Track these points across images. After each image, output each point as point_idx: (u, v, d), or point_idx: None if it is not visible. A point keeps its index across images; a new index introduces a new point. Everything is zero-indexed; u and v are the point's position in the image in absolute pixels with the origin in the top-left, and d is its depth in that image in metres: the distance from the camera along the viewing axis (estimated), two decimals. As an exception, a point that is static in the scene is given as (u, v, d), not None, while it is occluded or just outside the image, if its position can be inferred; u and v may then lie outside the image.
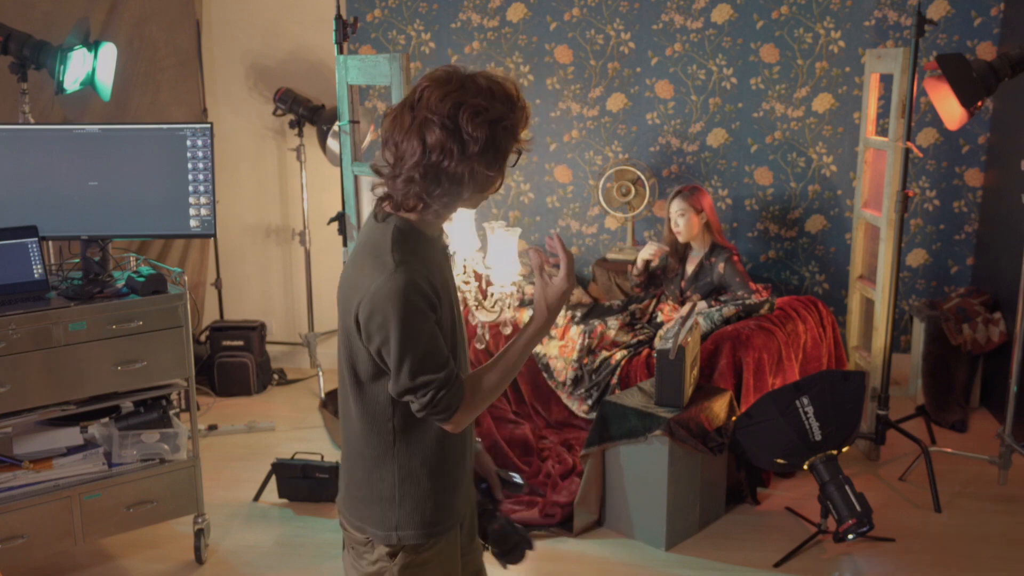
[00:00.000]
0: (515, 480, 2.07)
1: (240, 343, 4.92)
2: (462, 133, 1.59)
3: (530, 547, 2.05)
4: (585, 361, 4.06)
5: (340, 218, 3.42)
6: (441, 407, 1.68)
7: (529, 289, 4.60)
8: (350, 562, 1.86)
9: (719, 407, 3.43)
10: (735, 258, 4.06)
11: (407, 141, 1.62)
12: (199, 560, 3.25)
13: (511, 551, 2.02)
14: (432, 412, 1.69)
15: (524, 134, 1.67)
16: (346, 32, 3.24)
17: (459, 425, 1.73)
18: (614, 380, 3.93)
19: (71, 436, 3.11)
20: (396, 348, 1.63)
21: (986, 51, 4.58)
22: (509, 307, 3.33)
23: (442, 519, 1.80)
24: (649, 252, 4.28)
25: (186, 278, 3.13)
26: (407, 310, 1.61)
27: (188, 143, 3.07)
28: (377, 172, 1.71)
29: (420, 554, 1.79)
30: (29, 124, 3.61)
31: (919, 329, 4.55)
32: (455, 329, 1.77)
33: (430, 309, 1.65)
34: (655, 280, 4.37)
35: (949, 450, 3.94)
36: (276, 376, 5.14)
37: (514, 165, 1.70)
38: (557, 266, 1.79)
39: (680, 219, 4.10)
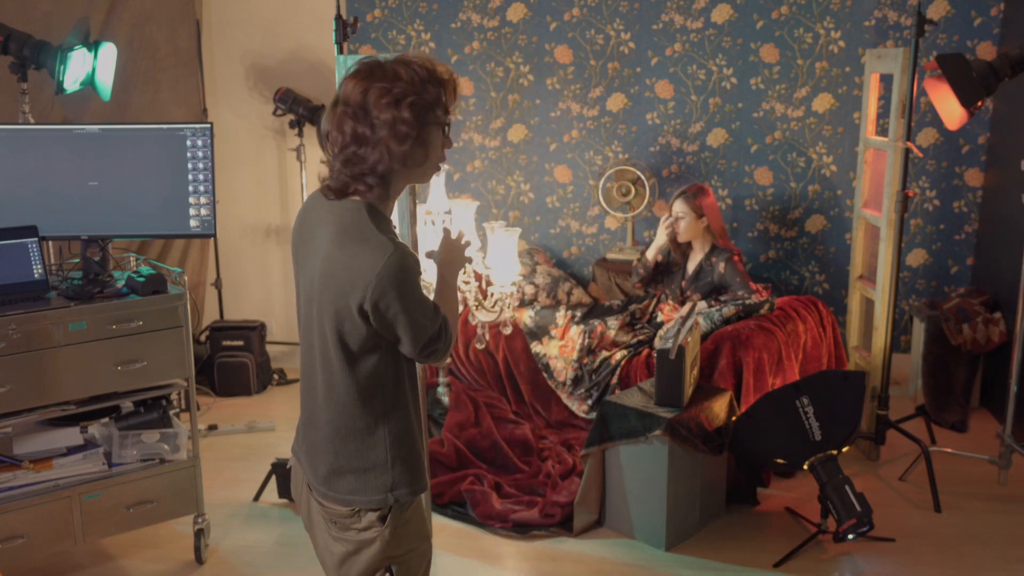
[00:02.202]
0: None
1: (240, 343, 4.92)
2: (371, 117, 1.71)
3: None
4: (585, 361, 4.06)
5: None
6: (449, 341, 1.88)
7: (529, 289, 4.60)
8: (332, 537, 1.92)
9: (719, 407, 3.43)
10: (735, 258, 4.06)
11: (335, 131, 1.76)
12: (199, 560, 3.25)
13: None
14: (446, 349, 1.88)
15: (452, 105, 1.79)
16: (346, 32, 3.24)
17: (449, 356, 1.92)
18: (614, 380, 3.93)
19: (71, 436, 3.11)
20: (412, 313, 1.77)
21: (986, 51, 4.58)
22: (509, 307, 3.33)
23: (424, 475, 1.94)
24: (662, 235, 4.21)
25: (186, 278, 3.12)
26: (413, 279, 1.77)
27: (188, 143, 3.07)
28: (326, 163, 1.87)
29: (404, 513, 1.90)
30: (29, 124, 3.61)
31: (919, 329, 4.56)
32: None
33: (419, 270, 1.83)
34: (659, 277, 4.35)
35: (949, 450, 3.94)
36: (276, 376, 5.14)
37: (446, 136, 1.82)
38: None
39: (681, 221, 4.10)
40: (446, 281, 2.02)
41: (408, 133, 1.73)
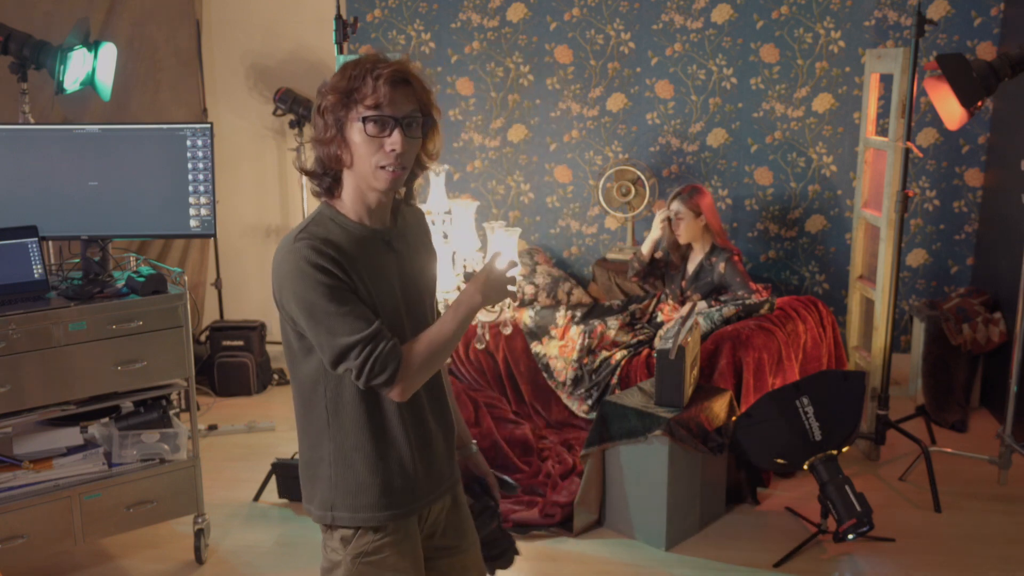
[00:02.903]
0: (508, 481, 2.09)
1: (240, 343, 4.92)
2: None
3: (517, 553, 2.07)
4: (585, 361, 4.06)
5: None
6: (377, 369, 1.66)
7: (529, 289, 4.60)
8: (321, 547, 1.87)
9: (719, 407, 3.43)
10: (735, 258, 4.06)
11: None
12: (199, 560, 3.25)
13: (499, 556, 2.04)
14: (371, 376, 1.66)
15: (367, 97, 1.64)
16: (346, 32, 3.25)
17: (404, 392, 1.70)
18: (614, 380, 3.93)
19: (71, 436, 3.10)
20: (310, 318, 1.66)
21: (986, 51, 4.58)
22: (509, 307, 3.33)
23: (380, 505, 1.77)
24: (656, 229, 4.22)
25: (186, 278, 3.12)
26: (308, 279, 1.63)
27: (188, 143, 3.07)
28: None
29: (375, 542, 1.78)
30: (29, 124, 3.61)
31: (919, 329, 4.55)
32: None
33: (333, 277, 1.65)
34: (655, 272, 4.35)
35: (949, 450, 3.94)
36: (276, 376, 5.14)
37: (387, 134, 1.65)
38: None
39: (680, 222, 4.10)
40: (459, 307, 1.74)
41: (321, 136, 1.69)
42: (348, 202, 1.74)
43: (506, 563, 2.05)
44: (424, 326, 1.80)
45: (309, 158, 1.81)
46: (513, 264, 1.80)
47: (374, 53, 1.69)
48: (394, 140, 1.65)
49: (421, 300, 1.85)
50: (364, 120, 1.64)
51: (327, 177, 1.73)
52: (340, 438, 1.76)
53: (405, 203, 1.86)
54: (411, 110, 1.67)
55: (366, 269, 1.71)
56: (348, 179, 1.73)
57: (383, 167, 1.67)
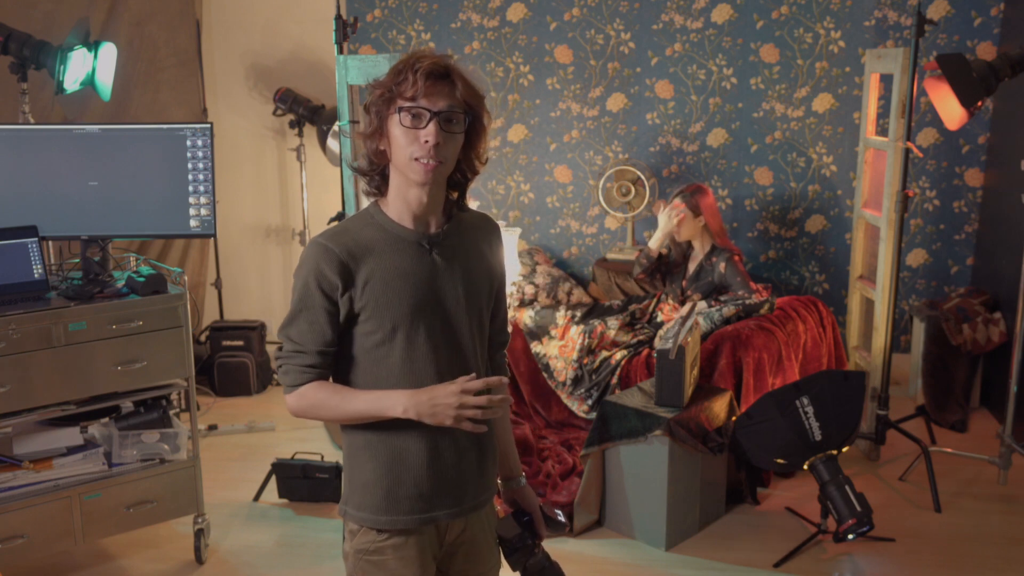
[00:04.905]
0: (558, 519, 2.02)
1: (240, 343, 4.92)
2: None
3: None
4: (585, 361, 4.06)
5: (340, 218, 3.41)
6: (281, 373, 1.78)
7: (529, 289, 4.59)
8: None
9: (719, 407, 3.43)
10: (736, 258, 4.06)
11: None
12: (199, 560, 3.25)
13: None
14: (278, 374, 1.80)
15: (406, 89, 1.65)
16: (346, 32, 3.25)
17: (290, 407, 1.79)
18: (614, 380, 3.93)
19: (71, 436, 3.10)
20: (291, 301, 1.77)
21: (986, 51, 4.58)
22: (509, 307, 3.33)
23: (382, 508, 1.76)
24: (663, 221, 4.18)
25: (186, 278, 3.12)
26: (302, 271, 1.71)
27: (188, 143, 3.07)
28: None
29: (376, 543, 1.77)
30: (29, 124, 3.61)
31: (919, 329, 4.55)
32: (408, 330, 1.73)
33: (323, 282, 1.68)
34: (661, 268, 4.33)
35: (949, 450, 3.94)
36: (276, 376, 5.14)
37: (423, 126, 1.65)
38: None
39: (679, 219, 4.10)
40: (375, 401, 1.69)
41: (366, 130, 1.72)
42: (391, 201, 1.75)
43: None
44: (464, 331, 1.77)
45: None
46: (470, 391, 1.63)
47: (423, 48, 1.72)
48: (428, 132, 1.65)
49: (465, 305, 1.78)
50: (400, 111, 1.65)
51: (376, 175, 1.75)
52: (353, 434, 1.79)
53: (459, 207, 1.84)
54: (449, 105, 1.66)
55: (387, 269, 1.70)
56: (392, 176, 1.74)
57: (417, 159, 1.66)
